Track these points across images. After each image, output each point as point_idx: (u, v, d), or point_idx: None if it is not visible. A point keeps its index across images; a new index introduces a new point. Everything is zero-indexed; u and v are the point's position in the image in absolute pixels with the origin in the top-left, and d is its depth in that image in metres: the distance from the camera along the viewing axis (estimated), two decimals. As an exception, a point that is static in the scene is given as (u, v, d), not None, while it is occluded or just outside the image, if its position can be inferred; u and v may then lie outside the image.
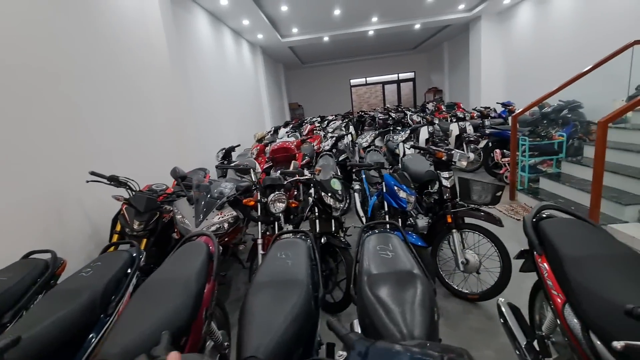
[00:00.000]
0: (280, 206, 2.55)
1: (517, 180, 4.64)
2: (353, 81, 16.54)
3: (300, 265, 1.48)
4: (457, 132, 6.35)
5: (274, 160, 3.86)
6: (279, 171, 2.66)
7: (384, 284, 1.29)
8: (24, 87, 2.35)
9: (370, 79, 16.62)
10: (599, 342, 1.05)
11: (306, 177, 2.57)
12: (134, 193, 2.64)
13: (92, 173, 2.56)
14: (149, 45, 3.93)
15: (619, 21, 5.59)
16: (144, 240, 2.61)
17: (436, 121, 6.60)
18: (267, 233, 2.65)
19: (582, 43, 6.41)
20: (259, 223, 2.58)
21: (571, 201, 3.73)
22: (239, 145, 5.01)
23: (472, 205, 2.52)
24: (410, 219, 3.15)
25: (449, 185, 2.54)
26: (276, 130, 8.39)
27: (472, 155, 6.09)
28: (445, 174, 2.57)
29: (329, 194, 2.47)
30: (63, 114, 2.66)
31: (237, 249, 2.88)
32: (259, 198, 2.58)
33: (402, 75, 16.63)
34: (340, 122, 7.81)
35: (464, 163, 2.60)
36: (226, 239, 2.53)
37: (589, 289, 1.13)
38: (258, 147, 4.73)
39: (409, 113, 9.99)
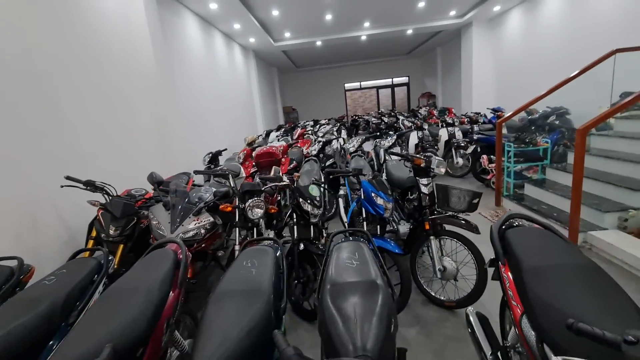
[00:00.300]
0: (258, 212, 2.54)
1: (502, 186, 4.67)
2: (347, 85, 16.60)
3: (265, 274, 1.47)
4: (446, 138, 6.38)
5: (258, 165, 3.84)
6: (258, 176, 2.64)
7: (343, 294, 1.28)
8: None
9: (364, 84, 16.70)
10: (553, 356, 1.04)
11: (284, 183, 2.56)
12: (110, 198, 2.61)
13: (68, 177, 2.53)
14: (134, 49, 3.91)
15: (604, 30, 5.67)
16: (121, 246, 2.59)
17: (425, 126, 6.63)
18: (248, 239, 2.63)
19: (570, 50, 6.49)
20: (237, 229, 2.56)
21: (554, 207, 3.75)
22: (225, 149, 5.00)
23: (451, 213, 2.52)
24: (394, 224, 3.15)
25: (427, 192, 2.54)
26: (268, 134, 8.39)
27: (461, 161, 6.14)
28: (424, 181, 2.57)
29: (307, 201, 2.46)
30: (40, 116, 2.63)
31: (217, 255, 2.86)
32: (237, 204, 2.56)
33: (397, 80, 16.72)
34: (331, 126, 7.81)
35: (442, 170, 2.60)
36: (203, 245, 2.50)
37: (545, 301, 1.13)
38: (245, 152, 4.71)
39: (401, 118, 10.04)
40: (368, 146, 6.11)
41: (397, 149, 4.61)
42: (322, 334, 1.20)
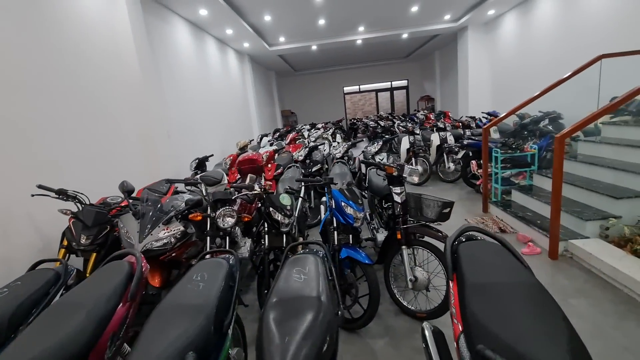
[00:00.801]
0: (229, 221, 2.52)
1: (490, 192, 4.62)
2: (346, 89, 16.61)
3: (212, 288, 1.44)
4: (438, 142, 6.34)
5: (240, 172, 3.84)
6: (231, 185, 2.63)
7: (283, 310, 1.26)
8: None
9: (363, 87, 16.70)
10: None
11: (255, 192, 2.54)
12: (82, 206, 2.61)
13: (40, 186, 2.54)
14: (118, 57, 3.94)
15: (596, 32, 5.61)
16: (94, 255, 2.58)
17: (418, 131, 6.59)
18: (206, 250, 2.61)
19: (563, 53, 6.44)
20: (208, 238, 2.55)
21: (539, 214, 3.69)
22: (212, 155, 5.00)
23: (423, 222, 2.49)
24: (374, 232, 3.12)
25: (400, 201, 2.51)
26: (263, 138, 8.41)
27: (452, 166, 6.09)
28: (397, 189, 2.55)
29: (277, 210, 2.44)
30: (12, 125, 2.65)
31: (191, 264, 2.84)
32: (208, 212, 2.55)
33: (396, 83, 16.70)
34: (322, 131, 7.79)
35: (415, 178, 2.57)
36: (174, 254, 2.49)
37: (479, 321, 1.10)
38: (231, 157, 4.71)
39: (397, 122, 10.01)
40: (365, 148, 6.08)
41: (383, 155, 4.58)
42: (256, 349, 1.19)
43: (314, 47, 9.73)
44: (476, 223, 4.06)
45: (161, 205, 2.60)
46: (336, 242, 2.45)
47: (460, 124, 7.16)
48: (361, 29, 8.84)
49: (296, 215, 3.02)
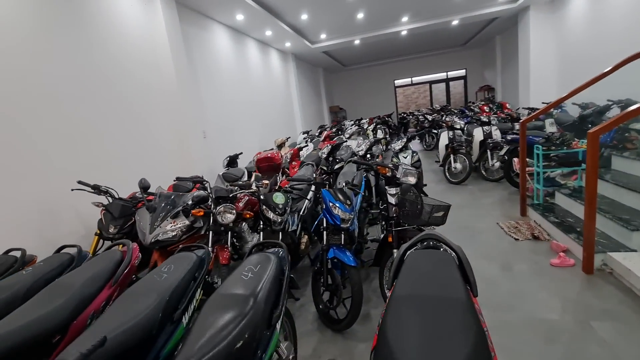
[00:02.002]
0: (229, 217, 2.68)
1: (532, 193, 4.14)
2: (398, 81, 16.02)
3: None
4: (481, 138, 5.82)
5: (260, 170, 4.01)
6: (229, 184, 2.79)
7: (217, 305, 1.33)
8: (29, 110, 2.85)
9: (416, 79, 15.94)
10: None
11: (251, 190, 2.66)
12: (112, 200, 3.00)
13: (79, 182, 2.99)
14: (156, 67, 4.39)
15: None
16: (121, 242, 2.97)
17: (458, 125, 6.12)
18: (226, 245, 2.79)
19: (644, 31, 5.40)
20: (210, 233, 2.74)
21: (581, 221, 3.21)
22: (241, 153, 5.29)
23: (417, 226, 2.37)
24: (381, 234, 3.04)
25: (394, 202, 2.42)
26: (307, 133, 8.59)
27: (497, 164, 5.55)
28: (392, 190, 2.45)
29: (271, 208, 2.53)
30: (63, 130, 3.14)
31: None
32: (212, 208, 2.74)
33: (452, 73, 15.61)
34: (356, 128, 7.65)
35: (412, 180, 2.44)
36: (181, 246, 2.73)
37: (387, 337, 1.05)
38: (258, 155, 4.93)
39: (445, 115, 9.40)
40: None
41: (407, 153, 4.38)
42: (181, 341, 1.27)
43: (357, 42, 9.58)
44: (508, 227, 3.68)
45: (173, 201, 2.87)
46: (324, 242, 2.46)
47: (508, 116, 6.47)
48: (405, 19, 8.45)
49: (302, 214, 3.08)
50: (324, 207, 2.44)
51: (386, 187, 2.48)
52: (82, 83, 3.39)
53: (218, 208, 2.65)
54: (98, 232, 2.97)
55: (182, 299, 1.61)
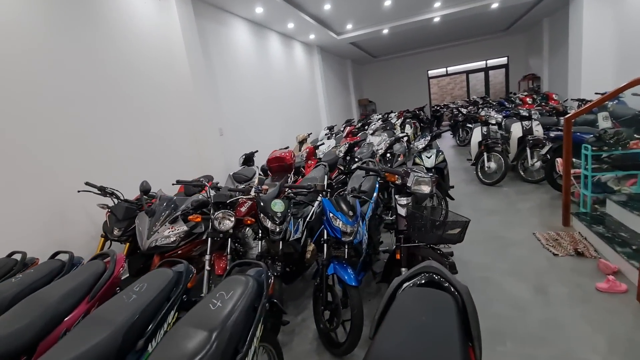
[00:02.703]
0: (227, 224, 2.54)
1: (578, 199, 3.61)
2: (431, 72, 15.17)
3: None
4: (520, 134, 5.23)
5: (271, 171, 3.84)
6: (227, 188, 2.63)
7: (172, 342, 1.17)
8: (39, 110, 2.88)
9: (451, 69, 14.99)
10: None
11: (250, 195, 2.48)
12: (117, 202, 2.97)
13: (87, 183, 2.99)
14: (170, 66, 4.34)
15: None
16: (127, 245, 2.94)
17: (495, 120, 5.55)
18: (225, 253, 2.66)
19: None
20: (209, 240, 2.62)
21: (638, 236, 2.70)
22: (257, 151, 5.15)
23: (429, 244, 2.06)
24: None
25: (404, 214, 2.13)
26: (330, 129, 8.35)
27: (538, 163, 4.96)
28: (402, 200, 2.16)
29: (269, 216, 2.34)
30: (73, 131, 3.15)
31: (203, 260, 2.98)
32: (212, 214, 2.60)
33: (492, 62, 14.48)
34: (380, 123, 7.23)
35: (425, 188, 2.12)
36: (180, 252, 2.64)
37: None
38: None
39: (481, 108, 8.67)
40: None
41: (431, 153, 4.00)
42: None
43: (386, 32, 9.08)
44: (546, 239, 3.22)
45: (173, 205, 2.77)
46: (325, 256, 2.23)
47: (553, 109, 5.76)
48: (437, 4, 7.83)
49: (310, 219, 2.86)
50: (325, 217, 2.20)
51: (396, 197, 2.19)
52: (93, 82, 3.39)
53: (216, 214, 2.51)
54: (104, 234, 2.96)
55: (150, 323, 1.46)
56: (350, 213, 2.12)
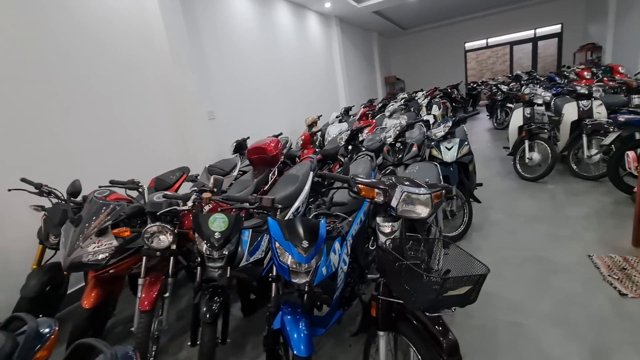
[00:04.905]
0: (164, 240, 1.94)
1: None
2: (469, 44, 13.52)
3: None
4: (575, 117, 4.15)
5: (252, 164, 3.19)
6: (163, 194, 2.01)
7: None
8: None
9: (493, 40, 13.24)
10: None
11: (184, 207, 1.85)
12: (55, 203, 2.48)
13: (23, 180, 2.51)
14: (147, 38, 3.74)
15: None
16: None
17: (540, 99, 4.45)
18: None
19: None
20: (144, 259, 2.05)
21: None
22: (248, 138, 4.51)
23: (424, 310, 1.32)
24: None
25: (386, 244, 1.39)
26: (347, 111, 7.51)
27: (535, 157, 3.96)
28: (386, 226, 1.42)
29: (203, 237, 1.70)
30: (8, 117, 2.67)
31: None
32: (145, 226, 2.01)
33: (542, 30, 12.58)
34: (399, 104, 6.26)
35: (423, 212, 1.36)
36: (112, 271, 2.10)
37: None
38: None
39: (525, 85, 7.35)
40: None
41: (453, 143, 3.13)
42: None
43: (413, -2, 7.90)
44: (608, 267, 2.33)
45: (112, 211, 2.21)
46: (272, 300, 1.58)
47: (624, 86, 4.54)
48: (477, -41, 6.55)
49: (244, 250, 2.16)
50: (271, 246, 1.52)
51: (377, 220, 1.45)
52: (41, 57, 2.86)
53: (146, 228, 1.91)
54: (40, 241, 2.50)
55: None
56: (304, 244, 1.42)
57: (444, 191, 1.50)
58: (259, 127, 5.49)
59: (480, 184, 3.54)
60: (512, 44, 13.18)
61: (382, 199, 1.39)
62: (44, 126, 2.88)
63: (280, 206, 1.57)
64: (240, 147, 4.37)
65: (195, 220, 1.74)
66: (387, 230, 1.42)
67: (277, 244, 1.45)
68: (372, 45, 11.95)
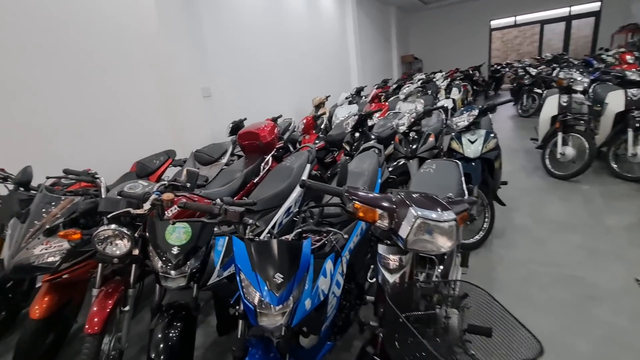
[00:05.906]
0: (121, 246, 1.60)
1: None
2: (495, 22, 12.52)
3: None
4: (622, 108, 3.58)
5: (244, 151, 2.80)
6: (119, 192, 1.65)
7: None
8: None
9: (522, 18, 12.20)
10: None
11: (140, 210, 1.48)
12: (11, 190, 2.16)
13: (-25, 164, 2.19)
14: (131, 7, 3.30)
15: None
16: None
17: (581, 86, 3.87)
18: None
19: None
20: (99, 265, 1.72)
21: None
22: (245, 119, 4.10)
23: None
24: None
25: (390, 281, 1.01)
26: (359, 92, 6.98)
27: (569, 152, 3.43)
28: (390, 259, 1.03)
29: (158, 252, 1.35)
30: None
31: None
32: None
33: (578, 8, 11.49)
34: (417, 86, 5.68)
35: (444, 244, 0.96)
36: (65, 276, 1.79)
37: None
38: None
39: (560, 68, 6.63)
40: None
41: (478, 135, 2.66)
42: None
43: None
44: (662, 298, 1.90)
45: (56, 207, 1.88)
46: (240, 333, 1.23)
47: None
48: None
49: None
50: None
51: (378, 248, 1.06)
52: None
53: (98, 231, 1.57)
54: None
55: None
56: (277, 279, 1.04)
57: (470, 208, 1.10)
58: (261, 107, 5.06)
59: (505, 182, 3.09)
60: (543, 22, 12.13)
61: (386, 224, 0.99)
62: (8, 99, 2.53)
63: (251, 222, 1.18)
64: (237, 128, 3.99)
65: (151, 228, 1.39)
66: (392, 265, 1.03)
67: (242, 276, 1.08)
68: (389, 20, 11.13)
